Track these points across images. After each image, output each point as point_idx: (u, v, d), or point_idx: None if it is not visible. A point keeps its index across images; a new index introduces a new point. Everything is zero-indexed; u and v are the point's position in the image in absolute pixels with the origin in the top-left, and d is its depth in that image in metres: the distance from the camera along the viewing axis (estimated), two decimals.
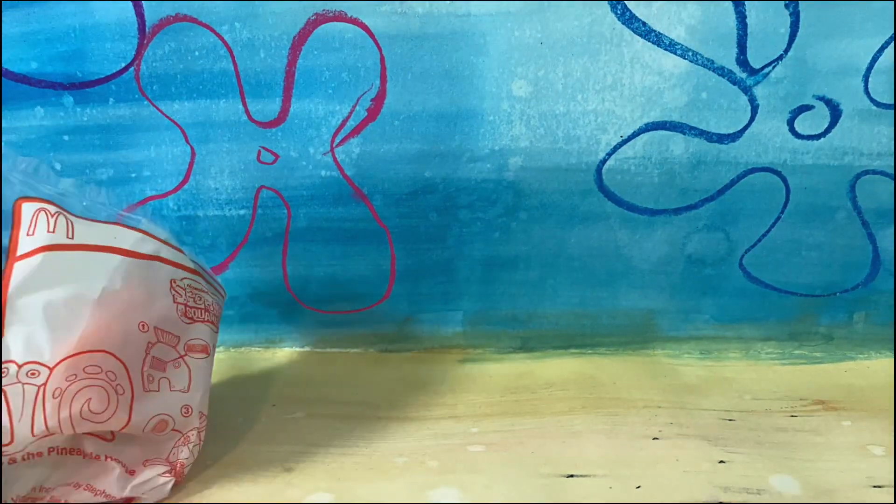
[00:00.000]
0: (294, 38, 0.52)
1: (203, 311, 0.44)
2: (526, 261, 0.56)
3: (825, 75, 0.51)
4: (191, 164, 0.55)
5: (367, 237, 0.56)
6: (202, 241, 0.57)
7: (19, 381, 0.35)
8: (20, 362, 0.35)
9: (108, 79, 0.53)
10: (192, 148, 0.55)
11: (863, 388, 0.52)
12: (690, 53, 0.51)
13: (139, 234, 0.43)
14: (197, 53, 0.53)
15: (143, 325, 0.39)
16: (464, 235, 0.56)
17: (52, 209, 0.39)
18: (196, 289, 0.44)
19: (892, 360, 0.55)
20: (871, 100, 0.52)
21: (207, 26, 0.52)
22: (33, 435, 0.35)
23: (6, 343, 0.35)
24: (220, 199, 0.56)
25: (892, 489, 0.39)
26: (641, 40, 0.51)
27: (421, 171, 0.54)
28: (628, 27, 0.50)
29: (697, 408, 0.49)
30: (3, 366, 0.34)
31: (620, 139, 0.53)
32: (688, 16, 0.50)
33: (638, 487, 0.40)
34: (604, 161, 0.54)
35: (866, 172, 0.53)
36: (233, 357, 0.59)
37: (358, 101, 0.53)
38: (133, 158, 0.56)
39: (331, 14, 0.51)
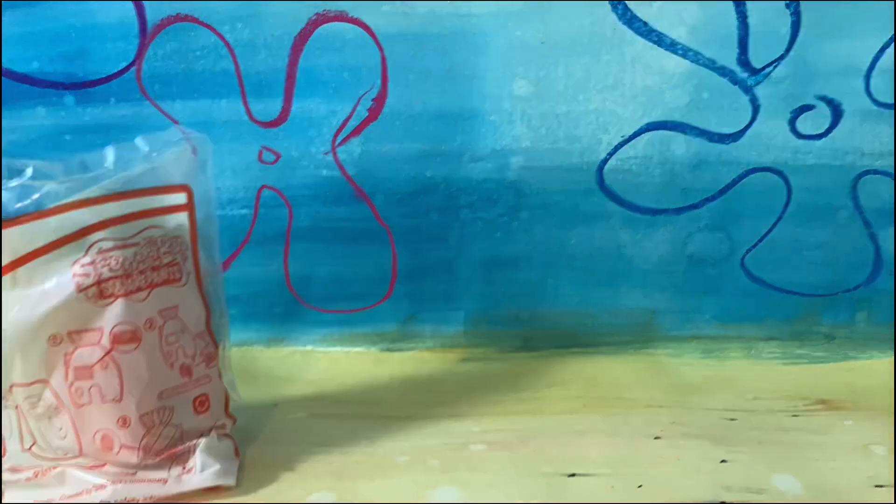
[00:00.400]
0: (295, 37, 0.52)
1: (125, 279, 0.36)
2: (527, 260, 0.56)
3: (826, 75, 0.51)
4: None
5: (368, 237, 0.56)
6: None
7: None
8: None
9: (109, 78, 0.53)
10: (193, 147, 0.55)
11: (865, 387, 0.52)
12: (691, 53, 0.51)
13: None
14: (198, 53, 0.53)
15: (53, 339, 0.35)
16: (465, 235, 0.56)
17: None
18: (117, 244, 0.36)
19: (894, 359, 0.55)
20: (873, 100, 0.52)
21: (208, 26, 0.52)
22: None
23: None
24: (222, 199, 0.56)
25: (894, 489, 0.39)
26: (642, 40, 0.51)
27: (422, 170, 0.54)
28: (629, 27, 0.50)
29: (699, 407, 0.49)
30: None
31: (622, 139, 0.53)
32: (689, 16, 0.50)
33: (640, 487, 0.40)
34: (605, 161, 0.54)
35: (868, 172, 0.53)
36: (234, 356, 0.58)
37: (359, 100, 0.53)
38: None
39: (332, 14, 0.51)
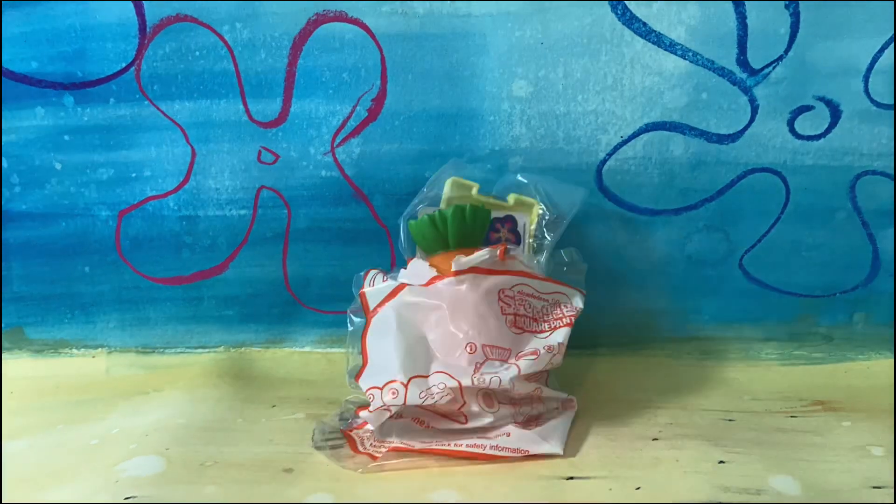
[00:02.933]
0: (295, 38, 0.52)
1: (530, 321, 0.46)
2: None
3: (825, 76, 0.51)
4: (191, 164, 0.55)
5: (367, 237, 0.56)
6: (202, 241, 0.57)
7: None
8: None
9: (108, 79, 0.53)
10: (192, 148, 0.55)
11: (862, 388, 0.52)
12: (691, 54, 0.51)
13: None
14: (198, 53, 0.53)
15: (470, 347, 0.44)
16: None
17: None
18: (527, 294, 0.46)
19: (893, 360, 0.55)
20: (872, 100, 0.52)
21: (208, 26, 0.52)
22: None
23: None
24: (221, 199, 0.56)
25: (892, 490, 0.39)
26: (642, 41, 0.51)
27: (421, 171, 0.54)
28: (628, 27, 0.50)
29: (697, 408, 0.49)
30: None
31: (620, 139, 0.53)
32: (688, 16, 0.50)
33: (638, 489, 0.40)
34: (604, 161, 0.54)
35: (866, 173, 0.53)
36: (233, 357, 0.59)
37: (358, 101, 0.53)
38: (134, 158, 0.56)
39: (331, 14, 0.51)
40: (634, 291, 0.57)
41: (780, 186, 0.54)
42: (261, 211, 0.56)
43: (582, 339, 0.57)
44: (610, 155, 0.53)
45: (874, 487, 0.40)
